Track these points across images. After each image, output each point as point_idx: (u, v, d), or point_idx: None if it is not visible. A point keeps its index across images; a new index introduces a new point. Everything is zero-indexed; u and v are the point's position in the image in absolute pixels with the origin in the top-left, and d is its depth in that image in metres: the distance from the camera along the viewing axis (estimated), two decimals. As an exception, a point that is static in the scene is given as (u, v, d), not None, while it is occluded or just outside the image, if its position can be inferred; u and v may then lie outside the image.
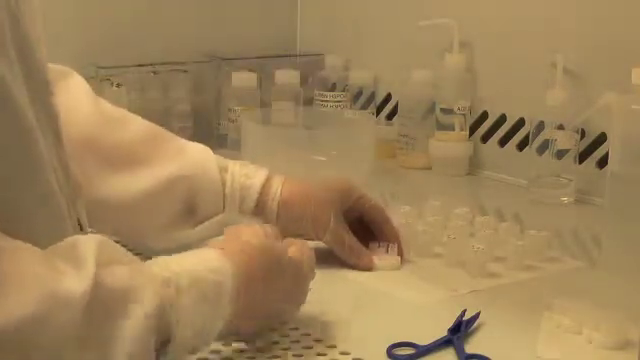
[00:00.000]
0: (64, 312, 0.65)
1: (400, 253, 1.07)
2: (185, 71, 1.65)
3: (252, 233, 0.85)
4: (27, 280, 0.65)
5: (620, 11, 1.33)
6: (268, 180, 1.06)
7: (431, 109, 1.55)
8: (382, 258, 1.06)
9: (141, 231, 1.02)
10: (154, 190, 1.01)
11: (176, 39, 1.66)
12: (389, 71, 1.68)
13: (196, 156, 1.06)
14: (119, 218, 1.00)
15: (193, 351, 0.75)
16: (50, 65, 0.85)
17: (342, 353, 0.84)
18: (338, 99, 1.69)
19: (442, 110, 1.52)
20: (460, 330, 0.88)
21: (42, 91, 0.77)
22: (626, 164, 1.22)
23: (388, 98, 1.71)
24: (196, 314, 0.73)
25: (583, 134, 1.39)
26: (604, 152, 1.36)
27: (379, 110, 1.72)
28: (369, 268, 1.05)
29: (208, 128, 1.67)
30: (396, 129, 1.61)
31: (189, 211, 1.04)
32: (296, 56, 1.80)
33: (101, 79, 1.55)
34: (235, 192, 1.05)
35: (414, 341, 0.86)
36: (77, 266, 0.68)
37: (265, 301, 0.82)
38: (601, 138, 1.38)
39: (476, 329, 0.90)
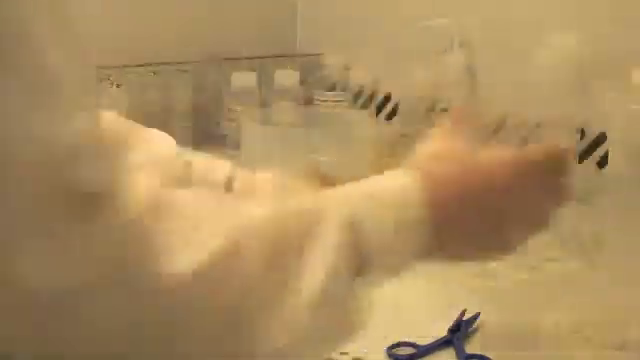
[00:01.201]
0: (252, 241, 0.63)
1: None
2: (185, 71, 1.65)
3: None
4: (207, 219, 0.63)
5: (620, 11, 1.33)
6: (232, 176, 1.05)
7: (431, 109, 1.55)
8: None
9: None
10: None
11: (176, 39, 1.66)
12: (389, 71, 1.68)
13: (159, 148, 1.05)
14: None
15: (393, 270, 0.73)
16: None
17: (341, 353, 0.84)
18: (338, 99, 1.68)
19: (442, 110, 1.52)
20: (460, 330, 0.88)
21: None
22: (626, 164, 1.22)
23: (388, 98, 1.71)
24: (387, 229, 0.70)
25: (583, 134, 1.39)
26: (604, 152, 1.36)
27: (379, 110, 1.72)
28: None
29: (208, 128, 1.67)
30: (396, 129, 1.61)
31: None
32: (296, 56, 1.80)
33: (101, 79, 1.55)
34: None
35: (414, 341, 0.86)
36: (255, 196, 0.67)
37: (469, 211, 0.75)
38: (601, 138, 1.38)
39: (476, 329, 0.90)
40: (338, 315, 0.68)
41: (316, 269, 0.65)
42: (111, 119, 1.06)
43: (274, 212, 0.66)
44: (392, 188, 0.72)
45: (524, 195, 0.78)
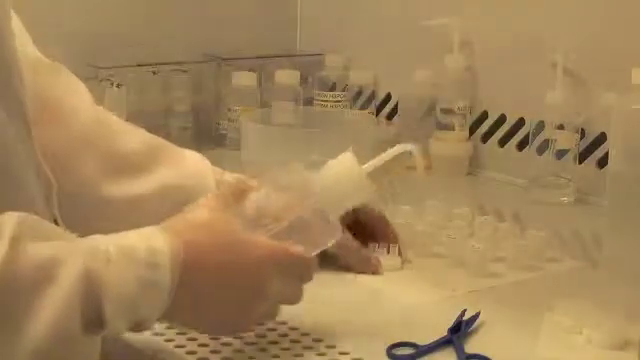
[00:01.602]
0: None
1: (400, 253, 1.07)
2: (185, 71, 1.65)
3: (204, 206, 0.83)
4: None
5: (620, 11, 1.33)
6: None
7: (431, 109, 1.55)
8: (384, 259, 1.06)
9: None
10: (149, 196, 1.01)
11: (176, 39, 1.66)
12: (389, 71, 1.68)
13: (194, 167, 1.05)
14: (109, 221, 0.98)
15: (132, 327, 0.74)
16: (40, 55, 0.84)
17: (342, 353, 0.84)
18: (338, 99, 1.68)
19: (442, 110, 1.52)
20: (460, 330, 0.88)
21: (13, 82, 0.77)
22: (626, 164, 1.22)
23: (388, 98, 1.71)
24: (126, 284, 0.71)
25: (583, 134, 1.39)
26: (604, 152, 1.36)
27: (379, 110, 1.72)
28: (377, 273, 1.04)
29: (208, 128, 1.67)
30: (396, 129, 1.61)
31: None
32: (296, 56, 1.80)
33: (101, 79, 1.54)
34: None
35: (414, 341, 0.86)
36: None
37: (215, 287, 0.78)
38: (601, 138, 1.38)
39: (476, 329, 0.90)
40: None
41: (42, 321, 0.66)
42: (144, 135, 1.05)
43: (7, 260, 0.66)
44: (143, 246, 0.74)
45: (266, 284, 0.80)
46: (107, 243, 0.73)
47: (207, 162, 1.07)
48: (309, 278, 0.84)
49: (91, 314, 0.69)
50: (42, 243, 0.69)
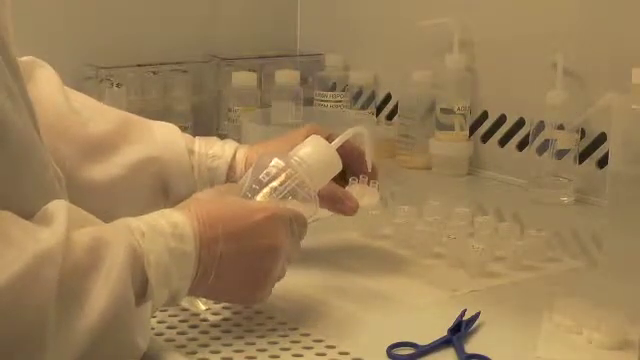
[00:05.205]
0: (44, 268, 0.69)
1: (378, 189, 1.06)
2: (185, 71, 1.65)
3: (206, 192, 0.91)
4: (6, 242, 0.69)
5: (620, 11, 1.33)
6: (234, 158, 1.07)
7: (431, 109, 1.55)
8: (364, 193, 1.04)
9: (119, 215, 1.02)
10: (126, 174, 1.03)
11: (176, 39, 1.66)
12: (389, 71, 1.68)
13: (164, 138, 1.08)
14: (95, 204, 0.99)
15: (168, 300, 0.79)
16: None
17: (342, 353, 0.84)
18: (338, 99, 1.68)
19: (442, 110, 1.52)
20: (460, 330, 0.89)
21: (20, 82, 0.78)
22: (626, 164, 1.22)
23: (388, 98, 1.71)
24: (161, 255, 0.77)
25: (583, 134, 1.39)
26: (604, 152, 1.36)
27: (379, 110, 1.72)
28: (354, 212, 1.03)
29: (208, 128, 1.67)
30: (396, 129, 1.61)
31: (163, 193, 1.05)
32: (296, 56, 1.80)
33: (101, 79, 1.55)
34: (203, 175, 1.06)
35: (414, 341, 0.86)
36: (49, 224, 0.72)
37: (234, 253, 0.83)
38: (601, 138, 1.38)
39: (476, 329, 0.90)
40: (121, 337, 0.74)
41: (100, 295, 0.72)
42: (114, 115, 1.08)
43: (66, 239, 0.71)
44: (164, 221, 0.80)
45: (280, 243, 0.86)
46: (137, 221, 0.79)
47: (177, 130, 1.09)
48: (304, 236, 0.90)
49: (138, 286, 0.75)
50: (87, 228, 0.75)
